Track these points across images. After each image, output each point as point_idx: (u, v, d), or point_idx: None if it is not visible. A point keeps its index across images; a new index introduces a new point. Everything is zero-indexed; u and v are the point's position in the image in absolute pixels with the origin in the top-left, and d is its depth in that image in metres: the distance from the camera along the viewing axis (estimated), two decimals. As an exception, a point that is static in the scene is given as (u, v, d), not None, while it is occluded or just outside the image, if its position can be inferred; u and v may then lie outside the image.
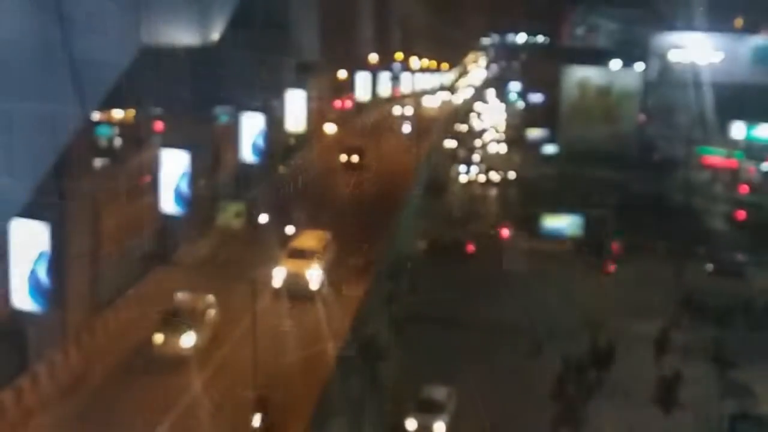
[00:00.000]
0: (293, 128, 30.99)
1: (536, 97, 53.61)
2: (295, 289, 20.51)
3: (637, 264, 27.88)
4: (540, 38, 68.93)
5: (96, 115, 25.17)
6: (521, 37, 74.54)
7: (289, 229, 24.04)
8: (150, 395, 15.87)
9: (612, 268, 27.24)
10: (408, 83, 63.40)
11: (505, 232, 30.45)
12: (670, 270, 26.07)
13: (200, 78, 21.56)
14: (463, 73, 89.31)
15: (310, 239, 22.81)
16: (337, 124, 44.66)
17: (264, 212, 24.63)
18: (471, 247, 28.17)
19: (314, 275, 21.05)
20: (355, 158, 37.40)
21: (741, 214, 34.41)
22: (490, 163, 45.66)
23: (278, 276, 20.77)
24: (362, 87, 48.88)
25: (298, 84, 30.56)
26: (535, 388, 18.00)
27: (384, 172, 36.37)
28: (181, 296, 18.69)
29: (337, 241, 23.76)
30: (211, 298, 18.83)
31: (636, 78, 45.19)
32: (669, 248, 28.94)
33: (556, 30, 53.33)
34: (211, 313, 18.67)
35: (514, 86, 62.67)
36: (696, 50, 41.26)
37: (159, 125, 25.74)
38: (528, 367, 19.29)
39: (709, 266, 27.94)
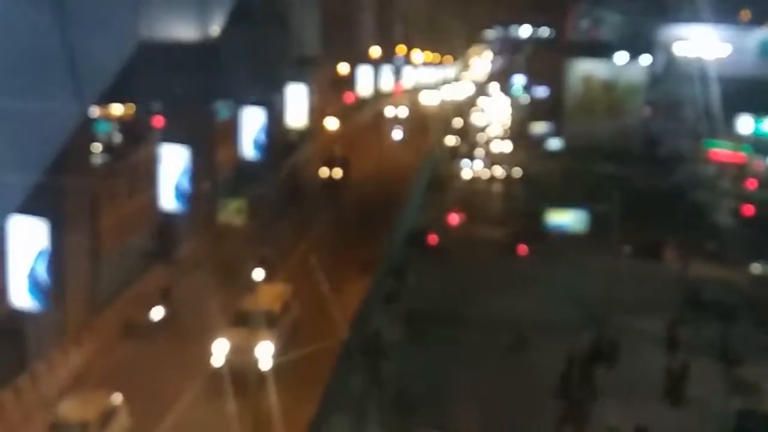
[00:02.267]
0: (294, 123, 30.77)
1: (540, 91, 53.29)
2: (241, 368, 14.59)
3: (564, 248, 29.39)
4: (544, 31, 68.45)
5: (95, 111, 25.01)
6: (525, 30, 73.97)
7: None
8: None
9: (524, 251, 29.22)
10: (410, 77, 63.01)
11: (454, 220, 31.77)
12: (592, 254, 27.38)
13: (200, 73, 21.29)
14: (466, 66, 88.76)
15: (263, 298, 17.45)
16: (338, 119, 44.38)
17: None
18: (434, 239, 28.97)
19: (265, 350, 15.23)
20: (337, 173, 31.58)
21: (748, 209, 34.12)
22: (493, 158, 45.38)
23: (219, 351, 15.25)
24: (364, 81, 48.55)
25: (299, 78, 30.32)
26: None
27: (377, 180, 33.59)
28: (69, 404, 13.49)
29: (328, 251, 21.92)
30: (114, 399, 13.85)
31: (641, 71, 44.84)
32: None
33: (560, 23, 52.95)
34: (119, 422, 13.69)
35: (518, 80, 62.29)
36: (702, 43, 40.87)
37: (158, 121, 25.55)
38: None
39: (627, 248, 28.48)
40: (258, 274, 19.44)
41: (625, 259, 26.92)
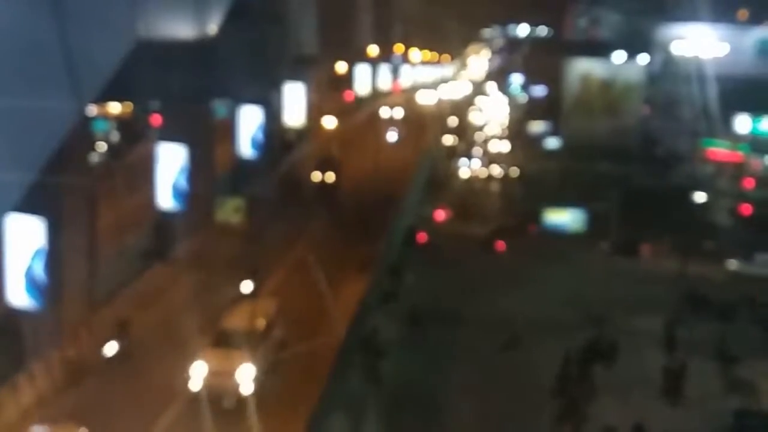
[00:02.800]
0: (292, 122, 30.75)
1: (538, 90, 53.35)
2: (220, 393, 13.90)
3: (543, 245, 30.71)
4: (542, 30, 68.49)
5: (92, 110, 24.96)
6: (523, 29, 74.00)
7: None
8: None
9: (501, 247, 30.56)
10: (408, 76, 63.03)
11: (440, 216, 32.62)
12: (569, 249, 28.79)
13: (198, 71, 21.26)
14: (464, 65, 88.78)
15: (247, 315, 15.73)
16: (335, 117, 44.30)
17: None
18: (423, 237, 29.62)
19: (248, 375, 14.21)
20: (329, 177, 29.65)
21: (745, 209, 34.37)
22: (491, 157, 45.47)
23: (197, 375, 14.28)
24: (362, 80, 48.54)
25: (296, 77, 30.30)
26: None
27: (373, 179, 32.52)
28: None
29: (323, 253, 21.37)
30: None
31: (639, 70, 44.94)
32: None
33: (558, 22, 53.06)
34: None
35: (516, 79, 62.34)
36: (700, 42, 41.00)
37: (156, 119, 25.53)
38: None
39: (605, 245, 29.63)
40: (249, 278, 18.73)
41: (604, 256, 28.07)
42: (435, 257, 27.98)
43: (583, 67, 45.63)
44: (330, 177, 29.79)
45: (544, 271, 27.40)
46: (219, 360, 14.52)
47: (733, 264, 29.67)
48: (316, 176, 30.00)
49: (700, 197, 36.05)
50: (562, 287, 25.50)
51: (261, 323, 15.68)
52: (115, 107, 31.06)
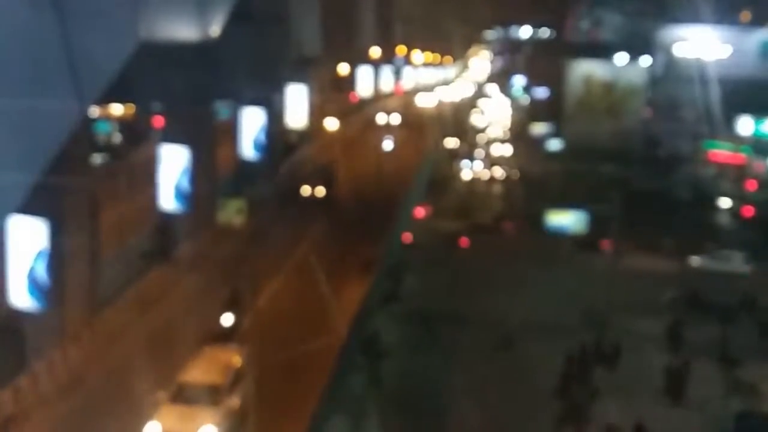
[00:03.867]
0: (294, 124, 30.79)
1: (540, 92, 53.33)
2: None
3: (512, 240, 31.62)
4: (544, 32, 68.51)
5: (95, 111, 25.04)
6: (525, 31, 74.01)
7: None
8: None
9: (465, 243, 30.99)
10: (410, 78, 63.09)
11: (420, 213, 32.85)
12: (539, 244, 29.53)
13: (200, 73, 21.29)
14: (466, 67, 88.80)
15: (211, 368, 13.88)
16: (337, 119, 44.31)
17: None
18: (408, 237, 29.65)
19: None
20: (320, 191, 27.55)
21: (748, 210, 34.35)
22: (493, 159, 45.49)
23: None
24: (364, 82, 48.60)
25: (299, 78, 30.34)
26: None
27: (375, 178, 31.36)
28: None
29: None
30: None
31: (641, 72, 44.92)
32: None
33: (560, 23, 53.03)
34: None
35: (518, 81, 62.34)
36: (702, 44, 40.97)
37: (158, 121, 25.58)
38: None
39: (570, 242, 31.01)
40: (229, 309, 16.99)
41: (568, 250, 28.52)
42: (427, 257, 27.99)
43: (585, 69, 45.61)
44: (320, 191, 27.67)
45: (525, 268, 27.56)
46: (176, 419, 12.78)
47: (695, 260, 29.85)
48: (306, 190, 27.80)
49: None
50: (535, 284, 25.87)
51: (223, 377, 13.65)
52: (117, 109, 31.14)
